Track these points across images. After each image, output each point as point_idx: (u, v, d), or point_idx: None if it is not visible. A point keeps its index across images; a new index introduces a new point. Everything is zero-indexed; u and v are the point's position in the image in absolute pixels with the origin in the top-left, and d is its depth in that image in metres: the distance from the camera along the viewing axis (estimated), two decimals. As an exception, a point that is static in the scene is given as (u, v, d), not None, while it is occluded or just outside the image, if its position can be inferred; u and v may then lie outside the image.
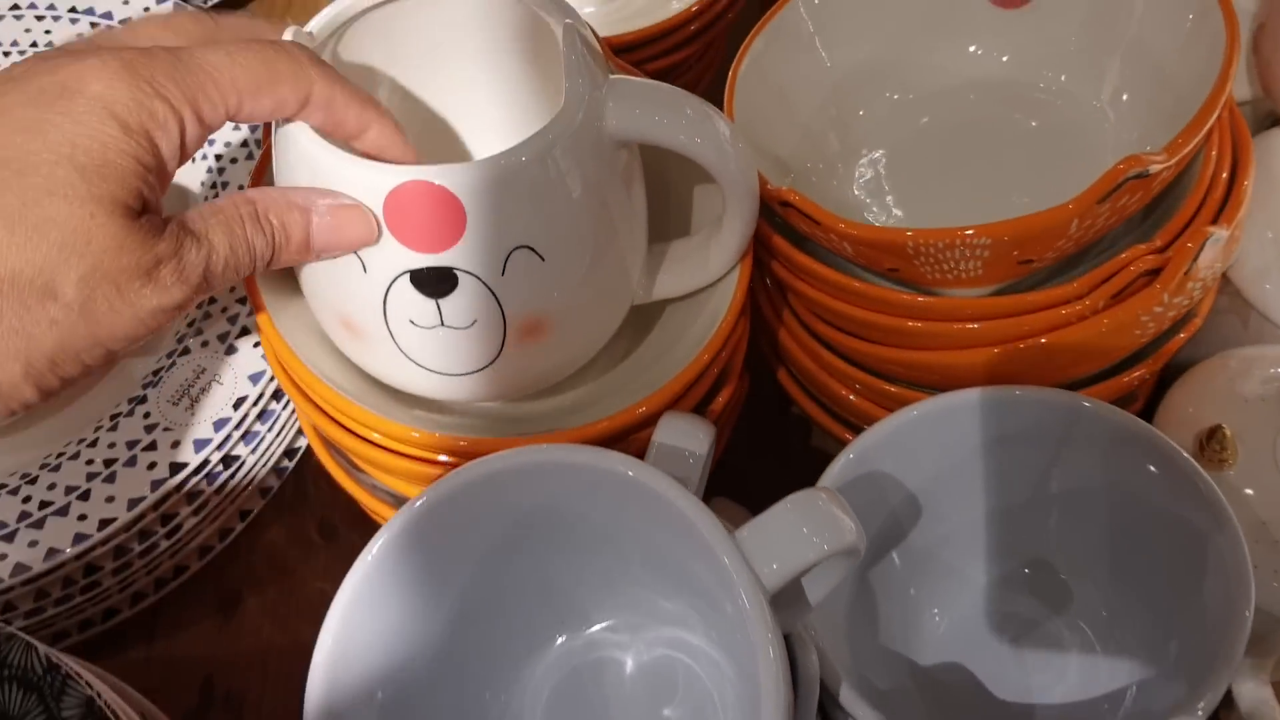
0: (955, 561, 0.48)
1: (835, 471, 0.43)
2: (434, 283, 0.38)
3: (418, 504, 0.37)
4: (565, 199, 0.39)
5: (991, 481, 0.46)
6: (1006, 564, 0.48)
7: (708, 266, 0.45)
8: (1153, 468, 0.42)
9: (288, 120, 0.38)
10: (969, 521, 0.47)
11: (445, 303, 0.39)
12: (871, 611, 0.46)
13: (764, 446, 0.57)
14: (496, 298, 0.39)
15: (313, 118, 0.38)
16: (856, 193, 0.51)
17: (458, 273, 0.38)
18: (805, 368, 0.50)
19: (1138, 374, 0.47)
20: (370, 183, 0.37)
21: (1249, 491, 0.44)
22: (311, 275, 0.41)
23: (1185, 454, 0.41)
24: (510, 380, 0.43)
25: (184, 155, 0.36)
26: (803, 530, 0.35)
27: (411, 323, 0.40)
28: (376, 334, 0.41)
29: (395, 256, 0.38)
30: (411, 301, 0.39)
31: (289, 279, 0.44)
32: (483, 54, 0.46)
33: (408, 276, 0.38)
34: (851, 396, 0.49)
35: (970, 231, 0.40)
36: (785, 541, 0.34)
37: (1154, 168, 0.39)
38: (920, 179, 0.51)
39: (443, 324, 0.40)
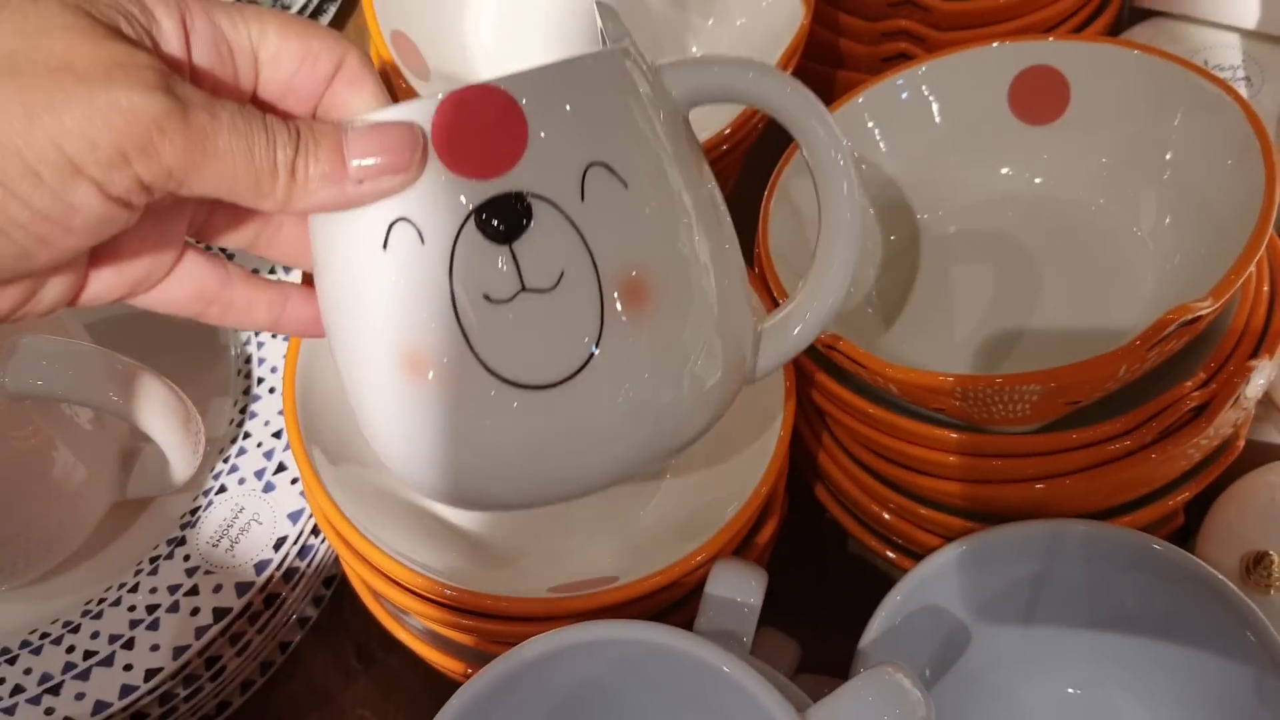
0: (1003, 684, 0.48)
1: (884, 613, 0.43)
2: (504, 215, 0.32)
3: (472, 687, 0.37)
4: (637, 121, 0.34)
5: (1039, 607, 0.46)
6: (1054, 685, 0.48)
7: (793, 337, 0.39)
8: (1200, 598, 0.42)
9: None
10: (1016, 644, 0.47)
11: (521, 247, 0.32)
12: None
13: (800, 557, 0.57)
14: (580, 232, 0.33)
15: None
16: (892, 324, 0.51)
17: (530, 200, 0.32)
18: (844, 489, 0.51)
19: (1180, 498, 0.47)
20: (410, 112, 0.32)
21: (1296, 616, 0.45)
22: (355, 312, 0.34)
23: (1233, 586, 0.41)
24: (621, 389, 0.34)
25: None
26: (875, 708, 0.35)
27: (487, 299, 0.32)
28: (448, 350, 0.33)
29: (454, 195, 0.32)
30: (483, 263, 0.32)
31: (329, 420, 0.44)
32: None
33: (473, 221, 0.32)
34: (887, 516, 0.49)
35: (1007, 378, 0.40)
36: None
37: (1202, 313, 0.40)
38: (951, 306, 0.51)
39: (524, 288, 0.33)
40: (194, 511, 0.52)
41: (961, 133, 0.52)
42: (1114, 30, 0.62)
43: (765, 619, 0.42)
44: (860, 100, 0.52)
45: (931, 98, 0.52)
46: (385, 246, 0.33)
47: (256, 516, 0.51)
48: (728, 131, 0.52)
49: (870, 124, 0.52)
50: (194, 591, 0.49)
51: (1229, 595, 0.41)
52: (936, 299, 0.51)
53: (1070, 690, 0.48)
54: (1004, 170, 0.52)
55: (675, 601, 0.44)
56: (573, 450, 0.34)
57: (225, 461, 0.53)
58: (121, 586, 0.50)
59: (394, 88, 0.51)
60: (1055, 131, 0.51)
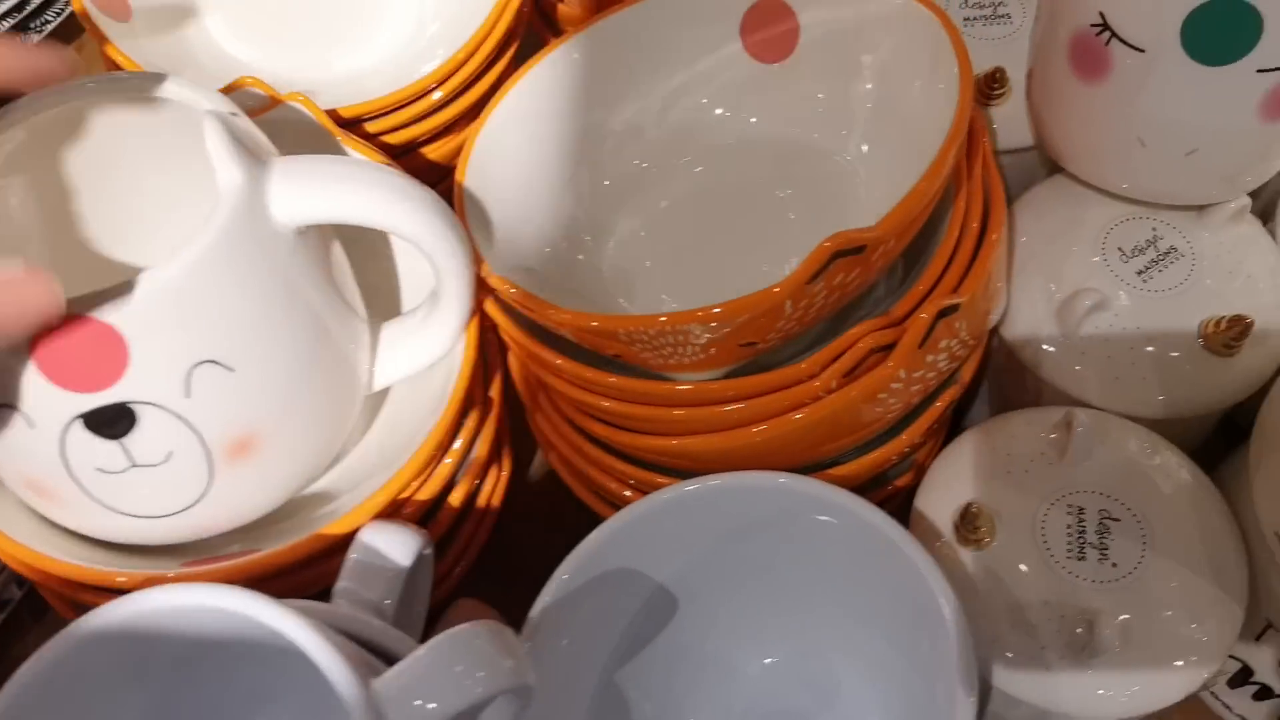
0: (720, 653, 0.45)
1: (559, 581, 0.40)
2: (110, 423, 0.35)
3: (41, 656, 0.34)
4: (240, 301, 0.36)
5: (745, 569, 0.43)
6: (774, 653, 0.45)
7: (431, 345, 0.42)
8: (883, 551, 0.39)
9: None
10: (730, 611, 0.44)
11: (130, 441, 0.36)
12: (624, 715, 0.43)
13: (534, 508, 0.54)
14: (188, 423, 0.36)
15: None
16: (607, 271, 0.48)
17: (134, 406, 0.35)
18: (560, 450, 0.48)
19: (897, 446, 0.44)
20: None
21: (1006, 571, 0.42)
22: None
23: (907, 535, 0.38)
24: (238, 505, 0.40)
25: None
26: (450, 672, 0.32)
27: (101, 470, 0.36)
28: (67, 492, 0.37)
29: (58, 404, 0.34)
30: (92, 448, 0.36)
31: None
32: (150, 159, 0.42)
33: (80, 423, 0.35)
34: (594, 474, 0.46)
35: (664, 319, 0.37)
36: (433, 685, 0.31)
37: (864, 242, 0.37)
38: (675, 251, 0.48)
39: (135, 464, 0.36)
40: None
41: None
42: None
43: (492, 586, 0.43)
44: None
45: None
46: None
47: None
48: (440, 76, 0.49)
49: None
50: None
51: (903, 544, 0.38)
52: (653, 251, 0.48)
53: (794, 660, 0.45)
54: (719, 111, 0.49)
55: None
56: (202, 525, 0.40)
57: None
58: None
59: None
60: (785, 71, 0.49)
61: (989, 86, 0.52)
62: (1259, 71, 0.40)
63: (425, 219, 0.37)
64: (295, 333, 0.37)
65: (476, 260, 0.41)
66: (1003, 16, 0.54)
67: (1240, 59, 0.40)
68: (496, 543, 0.50)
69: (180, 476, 0.37)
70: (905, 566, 0.38)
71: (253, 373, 0.36)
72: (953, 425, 0.53)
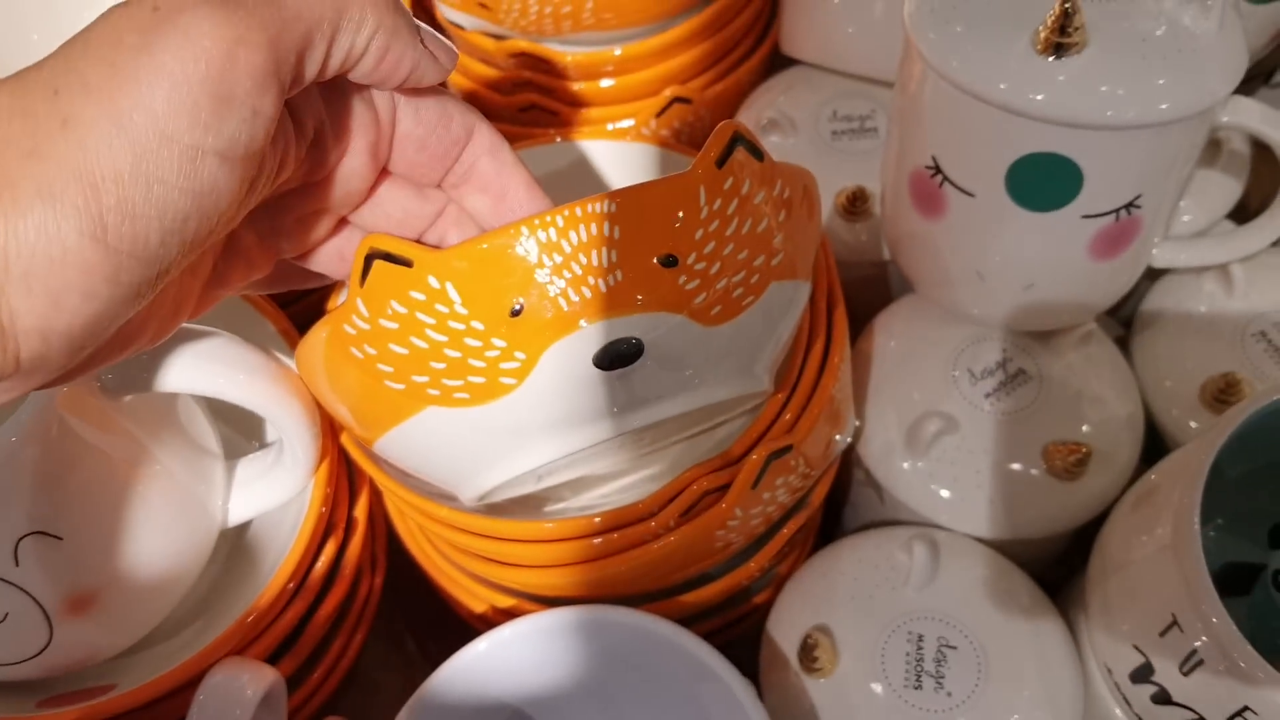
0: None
1: (408, 711, 0.41)
2: None
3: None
4: (63, 472, 0.36)
5: (593, 693, 0.44)
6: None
7: (280, 486, 0.44)
8: (708, 677, 0.40)
9: None
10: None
11: None
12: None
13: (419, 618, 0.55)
14: (20, 587, 0.37)
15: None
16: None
17: None
18: (436, 580, 0.49)
19: (746, 572, 0.45)
20: None
21: (847, 700, 0.43)
22: None
23: (726, 664, 0.39)
24: (83, 652, 0.41)
25: None
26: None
27: None
28: None
29: None
30: None
31: None
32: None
33: None
34: (475, 606, 0.47)
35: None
36: None
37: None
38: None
39: None
40: None
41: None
42: (761, 74, 0.61)
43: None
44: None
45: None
46: None
47: None
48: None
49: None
50: None
51: (724, 675, 0.39)
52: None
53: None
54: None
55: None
56: (49, 669, 0.40)
57: None
58: None
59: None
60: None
61: (851, 204, 0.53)
62: (1084, 217, 0.42)
63: (261, 389, 0.38)
64: (131, 492, 0.38)
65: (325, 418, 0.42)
66: (870, 130, 0.56)
67: (1064, 206, 0.41)
68: (380, 639, 0.51)
69: (20, 632, 0.38)
70: (730, 695, 0.39)
71: (85, 538, 0.37)
72: (822, 531, 0.54)
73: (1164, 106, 0.38)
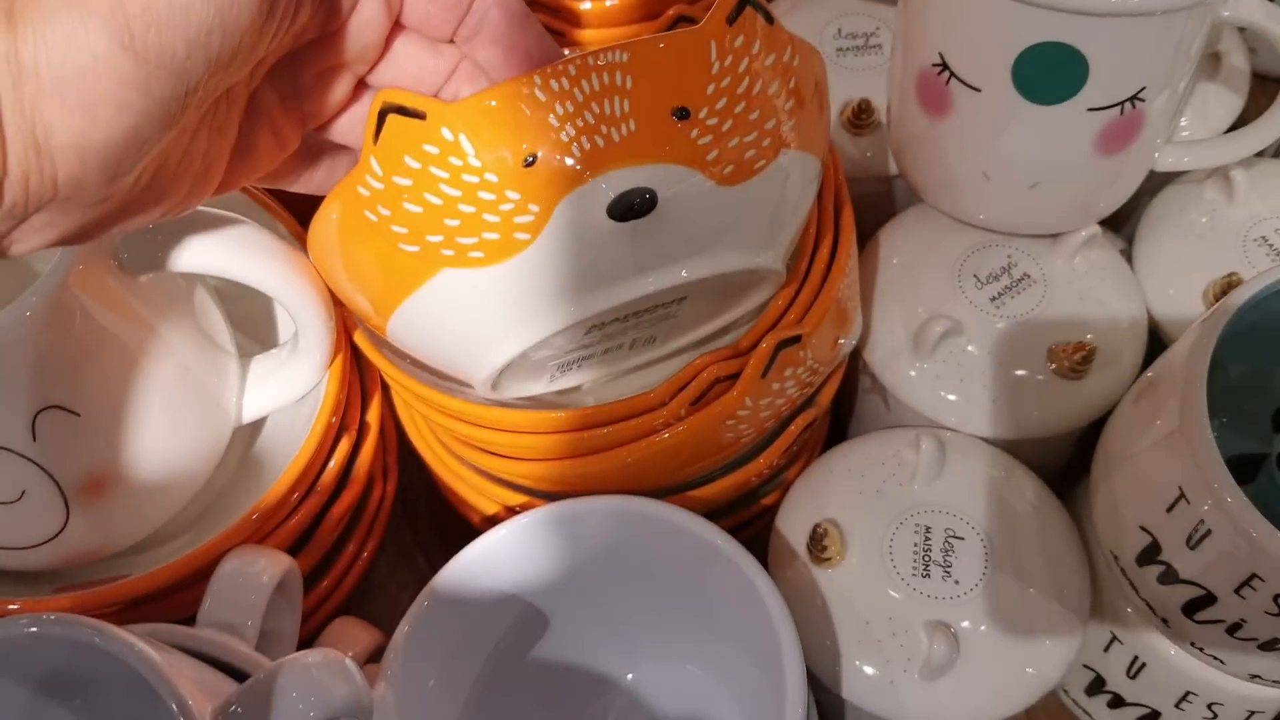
0: (587, 669, 0.47)
1: (424, 603, 0.41)
2: None
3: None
4: (82, 348, 0.37)
5: (605, 587, 0.45)
6: (637, 666, 0.47)
7: (294, 381, 0.44)
8: (723, 565, 0.40)
9: None
10: (594, 628, 0.46)
11: None
12: (494, 730, 0.45)
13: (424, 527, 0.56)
14: (37, 464, 0.37)
15: None
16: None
17: None
18: (442, 479, 0.49)
19: (755, 468, 0.46)
20: None
21: (855, 589, 0.43)
22: None
23: (741, 550, 0.40)
24: (98, 538, 0.42)
25: None
26: (290, 697, 0.33)
27: None
28: None
29: None
30: None
31: None
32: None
33: None
34: (474, 499, 0.48)
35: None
36: (268, 711, 0.33)
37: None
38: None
39: None
40: None
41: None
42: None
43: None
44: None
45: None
46: None
47: None
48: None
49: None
50: None
51: (738, 560, 0.40)
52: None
53: (643, 670, 0.47)
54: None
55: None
56: (61, 557, 0.41)
57: None
58: None
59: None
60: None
61: (857, 117, 0.54)
62: (1089, 110, 0.42)
63: (277, 271, 0.38)
64: (145, 376, 0.39)
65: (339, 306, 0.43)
66: (875, 47, 0.56)
67: (1070, 98, 0.42)
68: (390, 555, 0.52)
69: (36, 513, 0.38)
70: (741, 578, 0.40)
71: (101, 416, 0.38)
72: (828, 443, 0.55)
73: (1168, -7, 0.39)
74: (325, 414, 0.43)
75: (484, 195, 0.31)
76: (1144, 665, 0.46)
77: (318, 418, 0.43)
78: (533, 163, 0.30)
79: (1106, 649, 0.47)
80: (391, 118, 0.31)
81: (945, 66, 0.43)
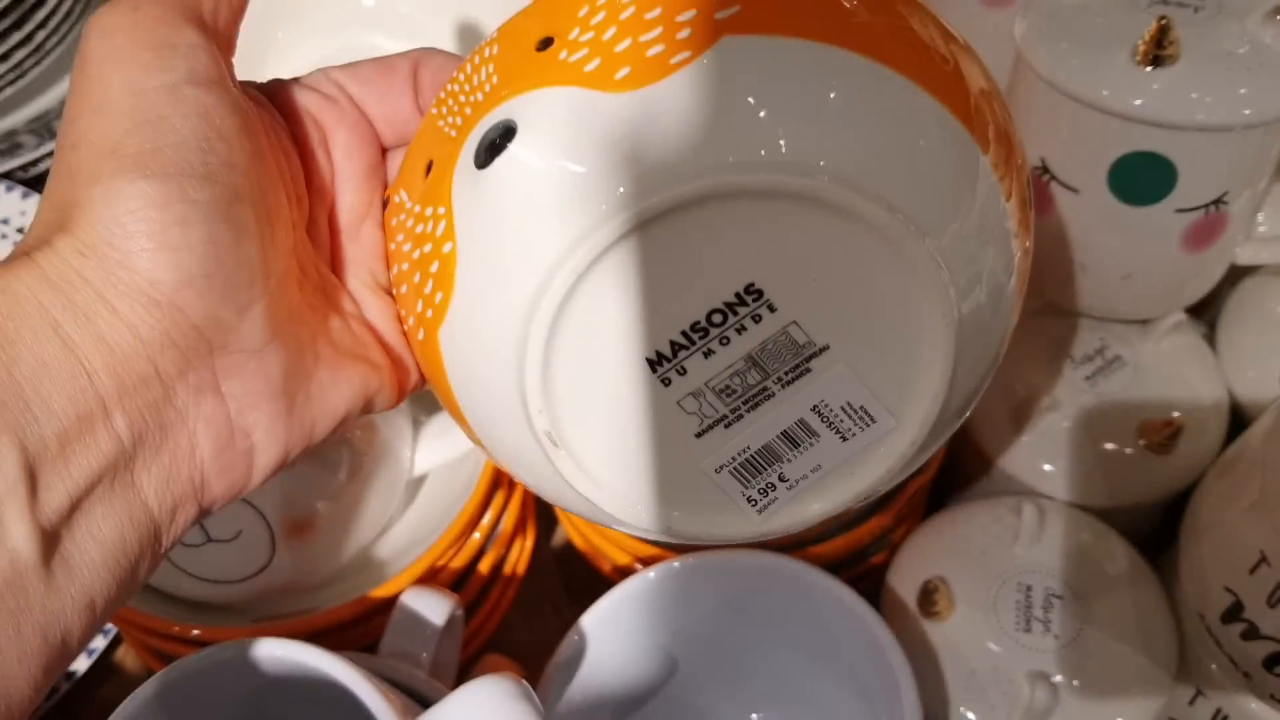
0: (711, 709, 0.51)
1: (573, 638, 0.47)
2: None
3: (133, 699, 0.41)
4: None
5: (734, 633, 0.50)
6: (760, 709, 0.51)
7: (459, 441, 0.49)
8: (851, 620, 0.45)
9: None
10: (721, 671, 0.51)
11: (207, 521, 0.42)
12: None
13: (553, 576, 0.60)
14: (256, 507, 0.43)
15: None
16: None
17: None
18: (580, 529, 0.54)
19: (871, 528, 0.50)
20: None
21: (963, 640, 0.48)
22: None
23: (868, 607, 0.44)
24: (296, 574, 0.47)
25: None
26: (479, 714, 0.38)
27: (183, 544, 0.43)
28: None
29: None
30: None
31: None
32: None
33: None
34: (619, 557, 0.53)
35: None
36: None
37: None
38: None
39: (210, 540, 0.44)
40: None
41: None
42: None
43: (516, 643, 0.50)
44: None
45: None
46: None
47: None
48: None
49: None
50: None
51: (866, 618, 0.44)
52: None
53: (765, 713, 0.51)
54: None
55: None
56: (258, 591, 0.47)
57: None
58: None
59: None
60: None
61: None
62: (1177, 211, 0.47)
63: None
64: (354, 432, 0.45)
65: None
66: None
67: (1160, 201, 0.47)
68: (521, 604, 0.57)
69: (248, 550, 0.44)
70: (868, 634, 0.44)
71: (309, 467, 0.44)
72: (928, 510, 0.59)
73: (1246, 112, 0.44)
74: (489, 471, 0.49)
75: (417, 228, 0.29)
76: (1226, 718, 0.50)
77: (482, 470, 0.49)
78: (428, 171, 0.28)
79: (1192, 702, 0.51)
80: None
81: (1046, 170, 0.49)
